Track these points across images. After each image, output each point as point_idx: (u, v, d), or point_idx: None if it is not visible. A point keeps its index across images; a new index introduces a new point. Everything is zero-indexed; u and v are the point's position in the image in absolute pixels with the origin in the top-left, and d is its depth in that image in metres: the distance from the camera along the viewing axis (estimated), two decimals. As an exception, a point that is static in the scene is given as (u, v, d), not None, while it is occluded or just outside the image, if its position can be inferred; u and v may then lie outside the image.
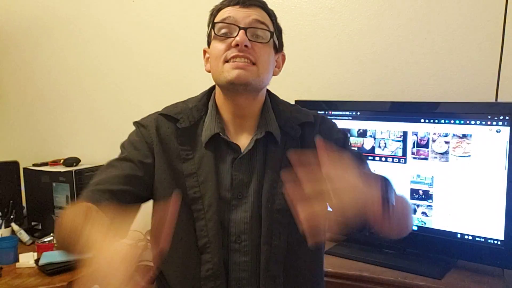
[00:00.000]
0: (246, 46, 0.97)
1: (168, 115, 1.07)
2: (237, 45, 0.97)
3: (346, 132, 1.16)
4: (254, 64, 0.99)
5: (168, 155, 1.03)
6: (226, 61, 0.99)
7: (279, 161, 1.02)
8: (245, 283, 0.98)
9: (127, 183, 1.04)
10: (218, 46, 1.01)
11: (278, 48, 1.07)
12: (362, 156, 1.13)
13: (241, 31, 0.98)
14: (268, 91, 1.11)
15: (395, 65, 1.67)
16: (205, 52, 1.09)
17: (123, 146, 1.13)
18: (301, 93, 1.80)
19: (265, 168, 1.02)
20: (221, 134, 1.02)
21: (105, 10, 2.17)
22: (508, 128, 1.30)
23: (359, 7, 1.71)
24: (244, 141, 1.05)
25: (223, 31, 1.00)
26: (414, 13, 1.63)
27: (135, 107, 2.14)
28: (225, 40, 1.00)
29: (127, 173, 1.06)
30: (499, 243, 1.33)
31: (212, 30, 1.02)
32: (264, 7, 1.04)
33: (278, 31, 1.07)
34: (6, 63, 2.47)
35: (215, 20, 1.02)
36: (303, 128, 1.06)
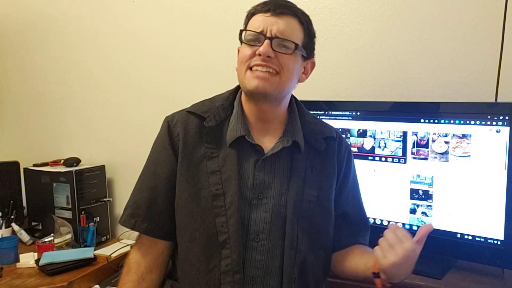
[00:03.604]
0: (269, 56, 1.00)
1: (195, 113, 1.10)
2: (260, 54, 1.00)
3: (353, 160, 1.25)
4: (278, 73, 1.02)
5: (192, 152, 1.07)
6: (250, 67, 1.02)
7: (303, 169, 1.08)
8: (258, 281, 1.02)
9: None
10: (244, 51, 1.05)
11: (308, 55, 1.10)
12: (358, 185, 1.27)
13: (266, 41, 1.00)
14: (295, 99, 1.17)
15: (395, 65, 1.67)
16: (238, 50, 1.11)
17: (153, 150, 1.17)
18: (301, 93, 1.79)
19: (291, 175, 1.07)
20: (246, 136, 1.06)
21: (105, 11, 2.17)
22: (508, 128, 1.30)
23: (359, 7, 1.71)
24: (267, 143, 1.09)
25: (250, 37, 1.04)
26: (414, 13, 1.63)
27: (135, 107, 2.14)
28: (251, 47, 1.03)
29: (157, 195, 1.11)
30: (499, 243, 1.33)
31: (243, 34, 1.06)
32: (296, 14, 1.05)
33: (309, 37, 1.10)
34: (6, 63, 2.47)
35: (247, 27, 1.06)
36: (326, 142, 1.13)
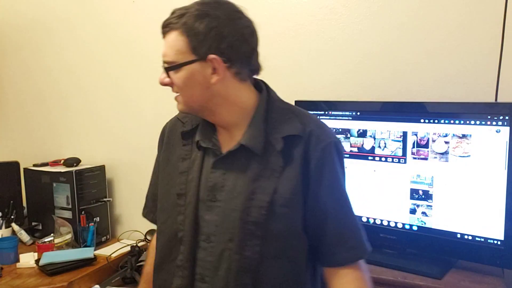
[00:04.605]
0: (165, 84, 1.04)
1: (179, 118, 1.16)
2: None
3: (336, 159, 1.05)
4: (178, 94, 1.04)
5: (172, 154, 1.13)
6: None
7: (258, 172, 1.01)
8: (208, 280, 1.03)
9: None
10: None
11: (203, 56, 0.98)
12: (340, 191, 1.06)
13: (163, 70, 1.03)
14: (270, 97, 1.08)
15: (395, 65, 1.67)
16: None
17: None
18: (301, 93, 1.80)
19: (243, 178, 1.02)
20: (201, 141, 1.07)
21: (105, 11, 2.18)
22: (507, 128, 1.30)
23: (359, 7, 1.71)
24: (229, 148, 1.06)
25: None
26: (413, 13, 1.63)
27: (135, 107, 2.14)
28: None
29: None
30: (499, 243, 1.33)
31: None
32: (177, 25, 0.99)
33: (199, 39, 0.97)
34: (7, 63, 2.47)
35: None
36: (288, 141, 1.02)
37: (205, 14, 0.97)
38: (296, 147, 1.01)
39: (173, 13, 1.03)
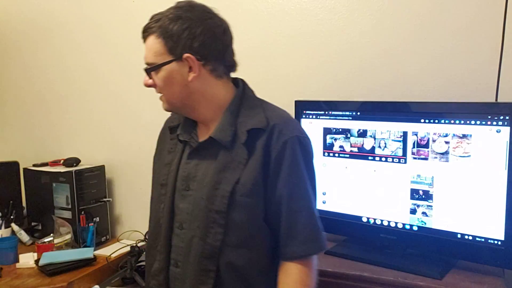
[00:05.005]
0: (149, 86, 1.14)
1: (171, 116, 1.27)
2: None
3: (298, 154, 1.08)
4: (161, 94, 1.13)
5: (163, 148, 1.24)
6: None
7: (225, 163, 1.08)
8: (180, 265, 1.12)
9: None
10: None
11: (179, 55, 1.06)
12: (299, 185, 1.08)
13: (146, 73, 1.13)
14: (244, 93, 1.15)
15: (395, 65, 1.67)
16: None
17: None
18: (301, 93, 1.80)
19: (213, 169, 1.09)
20: (180, 135, 1.18)
21: (106, 10, 2.17)
22: (508, 128, 1.30)
23: (359, 7, 1.71)
24: None
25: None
26: (414, 13, 1.63)
27: (135, 107, 2.14)
28: None
29: None
30: (499, 243, 1.33)
31: None
32: (154, 29, 1.08)
33: (174, 40, 1.05)
34: (7, 63, 2.47)
35: None
36: (253, 134, 1.08)
37: (178, 16, 1.06)
38: (259, 140, 1.07)
39: (151, 18, 1.11)
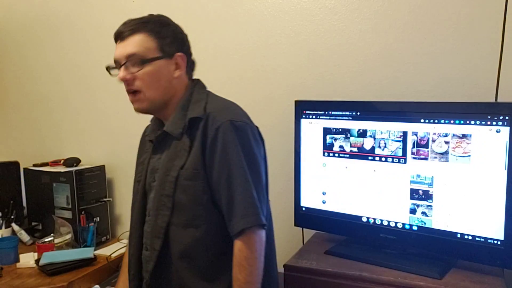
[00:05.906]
0: (127, 80, 1.18)
1: (144, 131, 1.40)
2: (120, 80, 1.19)
3: (230, 137, 1.15)
4: (140, 91, 1.18)
5: (142, 148, 1.37)
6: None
7: (175, 153, 1.20)
8: (148, 248, 1.24)
9: None
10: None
11: (171, 54, 1.20)
12: (235, 163, 1.15)
13: (121, 68, 1.18)
14: (194, 89, 1.25)
15: (395, 65, 1.67)
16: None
17: None
18: (301, 93, 1.80)
19: (164, 159, 1.23)
20: (147, 136, 1.33)
21: (106, 10, 2.18)
22: (508, 128, 1.30)
23: (359, 7, 1.71)
24: None
25: (114, 71, 1.23)
26: (414, 13, 1.63)
27: (135, 107, 2.14)
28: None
29: None
30: (499, 243, 1.33)
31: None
32: (141, 28, 1.19)
33: (165, 39, 1.19)
34: (7, 63, 2.47)
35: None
36: (193, 123, 1.19)
37: (167, 23, 1.23)
38: (198, 128, 1.18)
39: (130, 21, 1.21)
